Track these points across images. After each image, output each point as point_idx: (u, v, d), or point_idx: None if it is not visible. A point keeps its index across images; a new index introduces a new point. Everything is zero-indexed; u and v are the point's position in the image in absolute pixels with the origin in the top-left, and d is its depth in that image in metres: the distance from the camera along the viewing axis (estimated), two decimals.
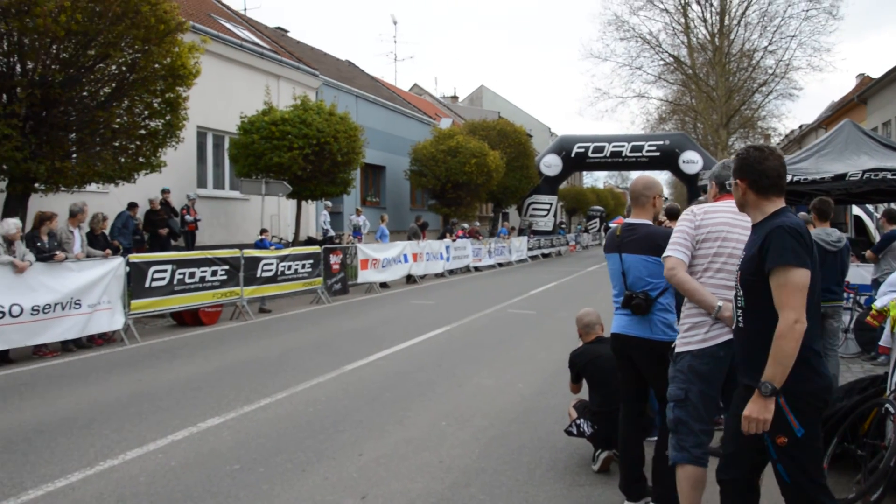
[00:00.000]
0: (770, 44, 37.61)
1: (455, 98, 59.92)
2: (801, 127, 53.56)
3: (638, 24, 43.13)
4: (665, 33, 43.90)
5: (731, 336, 3.66)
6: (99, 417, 6.48)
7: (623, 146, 36.03)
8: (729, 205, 3.88)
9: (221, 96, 19.03)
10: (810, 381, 3.04)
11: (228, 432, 6.05)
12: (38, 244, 9.88)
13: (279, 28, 30.84)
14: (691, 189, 33.51)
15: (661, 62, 41.06)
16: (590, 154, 36.50)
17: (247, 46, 20.96)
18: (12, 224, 9.43)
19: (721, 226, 3.83)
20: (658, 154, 35.39)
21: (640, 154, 35.74)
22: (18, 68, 10.65)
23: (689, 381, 3.73)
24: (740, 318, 3.28)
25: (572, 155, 36.58)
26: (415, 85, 55.49)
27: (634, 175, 36.45)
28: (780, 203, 3.24)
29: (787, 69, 38.10)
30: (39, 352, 9.63)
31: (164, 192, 15.72)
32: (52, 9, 9.69)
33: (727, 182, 4.02)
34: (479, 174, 27.86)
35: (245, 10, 31.04)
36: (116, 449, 5.56)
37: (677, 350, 3.81)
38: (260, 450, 5.58)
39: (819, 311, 3.17)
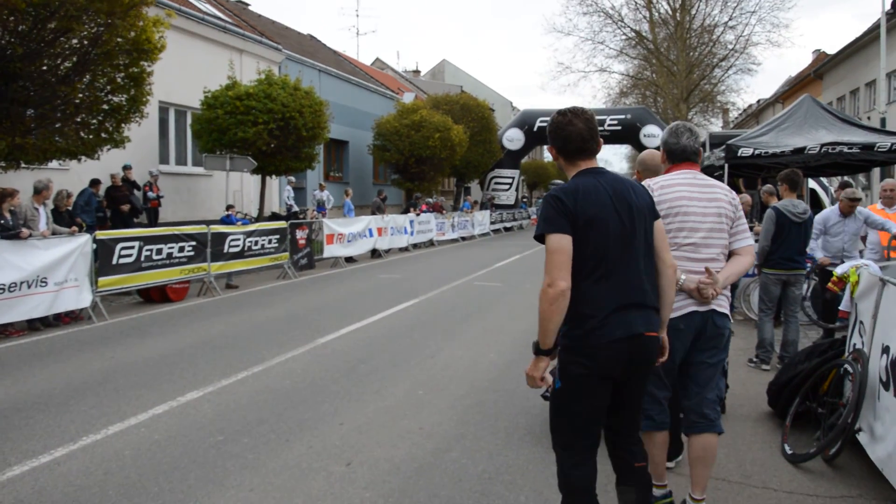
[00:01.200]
0: (730, 19, 38.13)
1: (417, 72, 59.61)
2: (758, 101, 54.40)
3: None
4: (627, 7, 44.29)
5: (692, 309, 3.76)
6: (75, 394, 6.49)
7: None
8: (684, 176, 3.92)
9: (184, 71, 18.71)
10: (570, 339, 3.08)
11: (209, 405, 6.11)
12: (2, 221, 9.73)
13: (240, 1, 30.33)
14: None
15: (623, 37, 41.36)
16: None
17: (209, 20, 20.61)
18: None
19: (679, 200, 3.83)
20: (619, 128, 35.70)
21: (601, 128, 35.22)
22: None
23: None
24: None
25: (534, 129, 36.71)
26: (377, 59, 55.05)
27: None
28: (588, 165, 3.23)
29: (747, 44, 38.75)
30: (5, 331, 9.50)
31: (126, 168, 15.51)
32: None
33: (676, 149, 4.04)
34: (442, 148, 27.88)
35: None
36: (97, 424, 5.59)
37: None
38: (242, 421, 5.66)
39: (605, 270, 3.04)
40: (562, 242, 2.97)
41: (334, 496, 4.30)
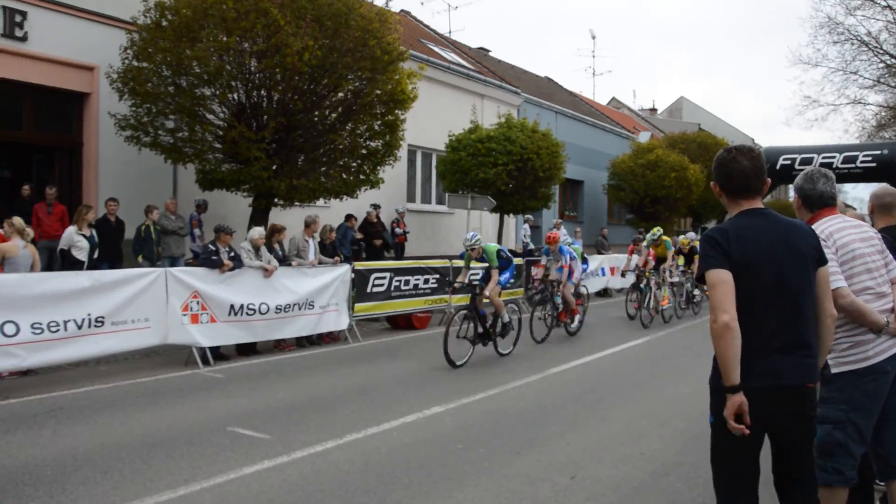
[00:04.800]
0: None
1: (654, 110, 58.89)
2: None
3: (854, 24, 39.95)
4: (887, 32, 40.57)
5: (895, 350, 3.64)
6: (339, 400, 7.55)
7: (834, 157, 33.59)
8: (841, 221, 3.82)
9: (430, 116, 20.26)
10: (717, 378, 3.06)
11: (450, 419, 6.87)
12: (276, 253, 11.31)
13: (482, 48, 32.10)
14: None
15: (882, 64, 38.16)
16: (796, 166, 34.07)
17: (453, 68, 22.24)
18: (257, 231, 10.90)
19: (853, 244, 3.74)
20: (874, 165, 32.75)
21: (853, 165, 33.08)
22: (265, 100, 12.26)
23: (852, 401, 3.59)
24: None
25: (777, 167, 34.48)
26: (613, 98, 55.26)
27: (847, 188, 34.39)
28: (751, 205, 3.16)
29: None
30: (279, 345, 11.06)
31: (376, 206, 17.01)
32: (298, 48, 11.10)
33: (813, 195, 3.91)
34: (678, 188, 27.50)
35: (450, 32, 32.61)
36: (358, 426, 6.52)
37: (834, 371, 3.64)
38: (478, 435, 6.32)
39: (755, 315, 2.97)
40: (721, 276, 2.97)
41: (559, 503, 4.79)
